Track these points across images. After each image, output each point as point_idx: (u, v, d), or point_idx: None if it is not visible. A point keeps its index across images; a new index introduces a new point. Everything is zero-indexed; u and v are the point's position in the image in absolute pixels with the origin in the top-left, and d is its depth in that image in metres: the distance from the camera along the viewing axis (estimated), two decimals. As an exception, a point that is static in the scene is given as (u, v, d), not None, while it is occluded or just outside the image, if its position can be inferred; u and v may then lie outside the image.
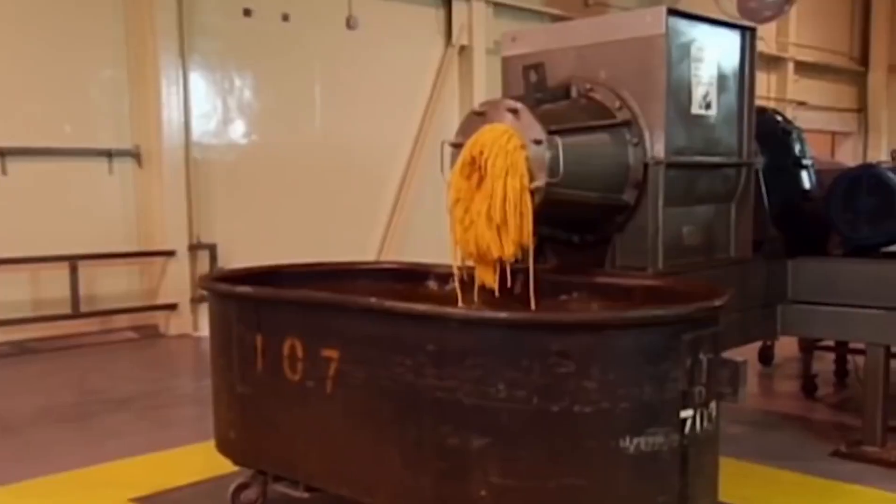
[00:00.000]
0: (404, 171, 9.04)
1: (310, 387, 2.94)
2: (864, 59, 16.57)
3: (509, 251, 3.06)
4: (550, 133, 3.14)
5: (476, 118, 3.37)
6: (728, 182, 3.87)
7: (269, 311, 3.07)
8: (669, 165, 3.47)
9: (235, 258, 7.65)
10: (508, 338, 2.42)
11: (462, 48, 9.64)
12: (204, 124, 7.74)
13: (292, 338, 2.98)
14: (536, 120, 3.17)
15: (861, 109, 16.56)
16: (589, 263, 3.60)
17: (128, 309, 7.23)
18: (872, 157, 15.37)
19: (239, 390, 3.20)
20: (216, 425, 3.41)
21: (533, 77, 3.52)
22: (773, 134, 4.43)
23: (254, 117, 8.10)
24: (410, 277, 3.90)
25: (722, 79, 3.73)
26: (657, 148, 3.44)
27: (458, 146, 3.41)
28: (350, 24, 8.53)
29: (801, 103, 14.42)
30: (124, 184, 7.32)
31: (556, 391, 2.38)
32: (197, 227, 7.62)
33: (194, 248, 7.58)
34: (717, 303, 2.55)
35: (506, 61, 3.92)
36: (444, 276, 3.71)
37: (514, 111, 3.22)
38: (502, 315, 2.39)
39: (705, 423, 2.55)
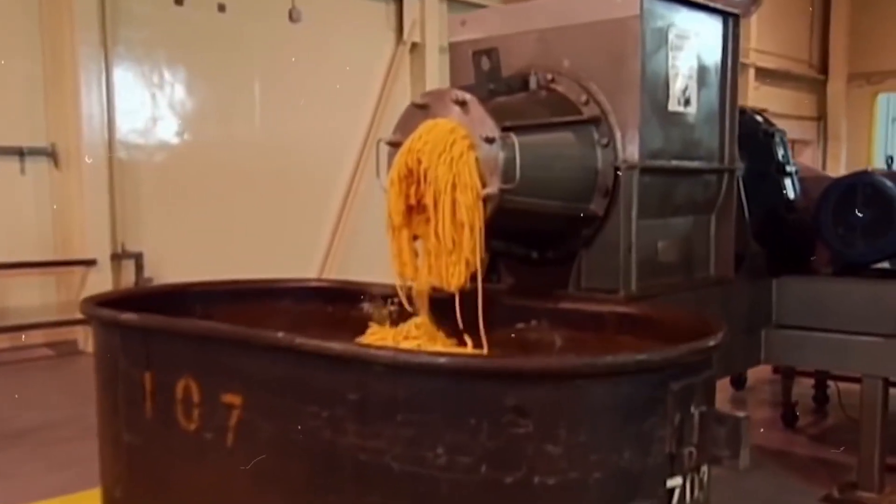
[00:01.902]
0: (351, 176, 8.47)
1: (208, 439, 2.38)
2: (824, 67, 16.38)
3: (457, 279, 2.55)
4: (505, 130, 2.62)
5: (417, 112, 2.83)
6: (708, 190, 3.38)
7: (160, 344, 2.50)
8: (644, 170, 2.97)
9: (164, 269, 7.03)
10: (450, 388, 1.88)
11: (414, 45, 9.11)
12: (130, 122, 7.09)
13: (187, 378, 2.41)
14: (488, 114, 2.65)
15: (820, 118, 16.36)
16: (550, 284, 3.08)
17: (42, 324, 6.56)
18: (831, 167, 15.14)
19: (125, 439, 2.62)
20: (102, 479, 2.82)
21: (485, 64, 2.99)
22: (753, 136, 3.95)
23: (186, 115, 7.47)
24: (343, 298, 3.35)
25: (702, 71, 3.24)
26: (630, 150, 2.94)
27: (395, 145, 2.88)
28: (293, 16, 7.95)
29: (763, 110, 14.11)
30: (39, 185, 6.65)
31: (512, 458, 1.85)
32: (121, 234, 6.98)
33: (118, 256, 6.93)
34: (713, 342, 2.04)
35: (454, 48, 3.39)
36: (381, 297, 3.18)
37: (462, 103, 2.69)
38: (441, 360, 1.86)
39: (696, 493, 2.05)
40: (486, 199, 2.61)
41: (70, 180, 6.65)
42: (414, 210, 2.71)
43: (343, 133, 8.35)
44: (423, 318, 2.76)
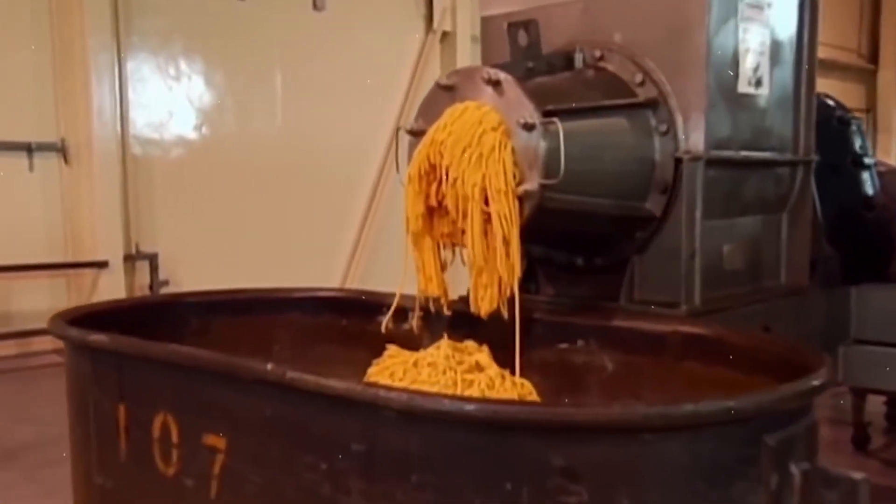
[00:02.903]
0: (378, 174, 8.03)
1: (188, 486, 1.97)
2: (874, 57, 15.66)
3: (488, 303, 2.13)
4: (546, 115, 2.19)
5: (443, 94, 2.41)
6: (781, 185, 2.92)
7: (134, 371, 2.10)
8: (710, 162, 2.52)
9: (181, 270, 6.67)
10: (480, 443, 1.45)
11: (445, 34, 8.66)
12: (144, 116, 6.73)
13: (164, 413, 2.01)
14: (527, 96, 2.23)
15: (870, 109, 15.62)
16: (597, 296, 2.64)
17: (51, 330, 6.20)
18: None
19: (97, 481, 2.22)
20: (75, 523, 2.44)
21: (522, 39, 2.56)
22: (826, 124, 3.46)
23: (204, 109, 7.09)
24: (359, 310, 2.93)
25: (776, 47, 2.78)
26: (694, 138, 2.49)
27: (417, 134, 2.46)
28: (317, 4, 7.55)
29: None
30: (48, 183, 6.31)
31: (559, 534, 1.42)
32: (135, 235, 6.62)
33: (131, 258, 6.56)
34: (817, 380, 1.59)
35: (487, 23, 2.95)
36: (401, 309, 2.76)
37: (496, 83, 2.27)
38: (469, 406, 1.42)
39: (797, 573, 1.60)
40: (523, 197, 2.19)
41: (80, 177, 6.30)
42: (436, 212, 2.29)
43: (369, 128, 7.92)
44: (448, 341, 2.34)
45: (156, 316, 2.83)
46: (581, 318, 2.44)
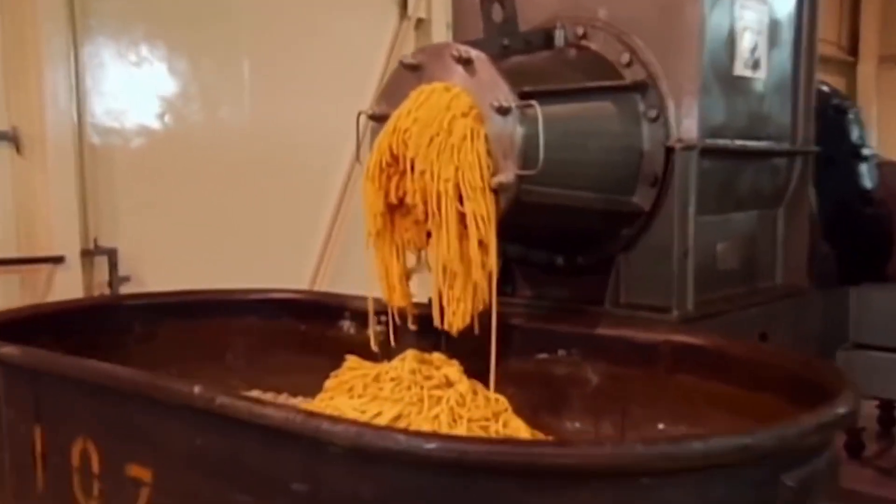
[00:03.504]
0: (350, 166, 7.71)
1: (112, 523, 1.72)
2: (854, 49, 15.52)
3: (461, 318, 1.89)
4: (523, 97, 1.94)
5: (408, 74, 2.15)
6: (778, 178, 2.69)
7: (52, 390, 1.83)
8: (704, 152, 2.28)
9: (142, 266, 6.32)
10: (444, 488, 1.20)
11: (419, 21, 8.35)
12: (103, 104, 6.36)
13: (85, 439, 1.75)
14: (501, 76, 1.97)
15: (849, 102, 15.54)
16: (580, 299, 2.40)
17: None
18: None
19: (14, 513, 1.96)
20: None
21: (497, 15, 2.31)
22: (821, 113, 3.24)
23: (167, 97, 6.73)
24: (319, 313, 2.68)
25: (774, 26, 2.55)
26: (686, 125, 2.26)
27: (380, 119, 2.20)
28: (286, -12, 7.22)
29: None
30: (-1, 174, 5.96)
31: None
32: (94, 229, 6.26)
33: (89, 253, 6.22)
34: (844, 408, 1.35)
35: (458, -2, 2.70)
36: (365, 313, 2.50)
37: (467, 62, 2.01)
38: (430, 444, 1.16)
39: None
40: (498, 190, 1.94)
41: (34, 168, 5.94)
42: (398, 210, 2.04)
43: (340, 118, 7.52)
44: (414, 353, 2.09)
45: (95, 321, 2.57)
46: (562, 324, 2.20)
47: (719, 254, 2.49)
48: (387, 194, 2.03)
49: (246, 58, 7.23)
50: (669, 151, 2.23)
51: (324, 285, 7.34)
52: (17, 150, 6.05)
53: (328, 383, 2.21)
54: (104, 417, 1.70)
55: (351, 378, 2.10)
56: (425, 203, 1.98)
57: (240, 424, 1.38)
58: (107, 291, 6.33)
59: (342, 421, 1.26)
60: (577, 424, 2.12)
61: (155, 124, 6.75)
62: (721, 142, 2.35)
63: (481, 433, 1.91)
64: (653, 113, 2.25)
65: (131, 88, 6.57)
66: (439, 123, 1.99)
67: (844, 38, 15.75)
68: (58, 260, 6.05)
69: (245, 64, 7.24)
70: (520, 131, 1.93)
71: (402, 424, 1.89)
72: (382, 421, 1.88)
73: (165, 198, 6.68)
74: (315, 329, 2.64)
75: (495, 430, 1.94)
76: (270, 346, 2.68)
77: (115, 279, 6.38)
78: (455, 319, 1.93)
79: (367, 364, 2.20)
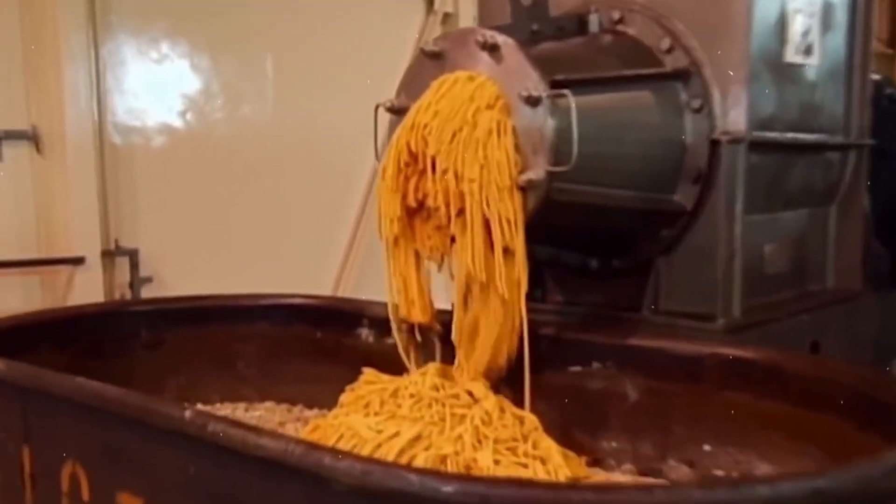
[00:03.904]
0: (377, 163, 7.57)
1: (103, 555, 1.57)
2: (893, 41, 15.16)
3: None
4: (555, 86, 1.77)
5: (429, 63, 1.99)
6: (830, 173, 2.49)
7: (39, 408, 1.68)
8: (753, 145, 2.09)
9: (164, 267, 6.24)
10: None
11: (446, 16, 8.17)
12: (123, 102, 6.28)
13: (74, 462, 1.60)
14: (531, 64, 1.80)
15: (888, 96, 15.15)
16: (615, 305, 2.22)
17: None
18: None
19: (3, 538, 1.82)
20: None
21: (526, -2, 2.13)
22: (875, 103, 3.04)
23: (189, 95, 6.64)
24: (335, 320, 2.52)
25: (828, 8, 2.35)
26: (734, 116, 2.06)
27: (399, 112, 2.04)
28: (310, -17, 7.08)
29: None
30: (18, 174, 5.87)
31: None
32: (114, 229, 6.19)
33: (110, 254, 6.13)
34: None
35: (484, -18, 2.53)
36: (384, 320, 2.34)
37: (493, 48, 1.84)
38: (448, 488, 1.00)
39: None
40: (526, 188, 1.76)
41: (54, 167, 5.86)
42: (418, 214, 1.88)
43: (366, 116, 7.41)
44: (436, 366, 1.92)
45: (101, 327, 2.43)
46: (597, 333, 2.02)
47: (767, 256, 2.30)
48: (405, 197, 1.86)
49: (269, 54, 7.09)
50: (714, 145, 2.05)
51: (348, 287, 7.19)
52: (37, 149, 5.97)
53: (343, 397, 2.04)
54: (93, 440, 1.55)
55: (367, 393, 1.94)
56: (448, 206, 1.81)
57: (235, 454, 1.22)
58: (128, 293, 6.24)
59: (347, 456, 1.10)
60: (614, 444, 1.94)
61: (176, 122, 6.64)
62: (770, 134, 2.15)
63: (509, 455, 1.74)
64: (696, 103, 2.06)
65: (152, 86, 6.46)
66: (462, 116, 1.81)
67: (884, 31, 15.45)
68: (78, 261, 5.96)
69: (268, 60, 7.10)
70: (551, 123, 1.75)
71: (422, 445, 1.72)
72: (400, 442, 1.71)
73: (187, 197, 6.57)
74: (331, 336, 2.48)
75: (524, 451, 1.77)
76: (283, 354, 2.52)
77: (136, 280, 6.28)
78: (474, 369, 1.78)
79: (386, 377, 2.03)
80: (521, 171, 1.76)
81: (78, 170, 5.94)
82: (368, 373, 2.03)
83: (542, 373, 1.99)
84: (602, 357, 1.96)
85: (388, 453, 1.70)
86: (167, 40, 6.48)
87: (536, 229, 1.85)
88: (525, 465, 1.74)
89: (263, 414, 2.40)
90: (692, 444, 1.82)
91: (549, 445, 1.80)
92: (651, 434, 1.88)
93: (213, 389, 2.52)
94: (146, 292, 6.34)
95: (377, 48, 7.90)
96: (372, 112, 2.19)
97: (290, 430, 2.23)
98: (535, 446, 1.78)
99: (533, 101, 1.76)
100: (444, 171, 1.80)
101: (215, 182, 6.74)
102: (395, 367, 2.29)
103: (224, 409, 2.45)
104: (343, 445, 1.77)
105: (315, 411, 2.43)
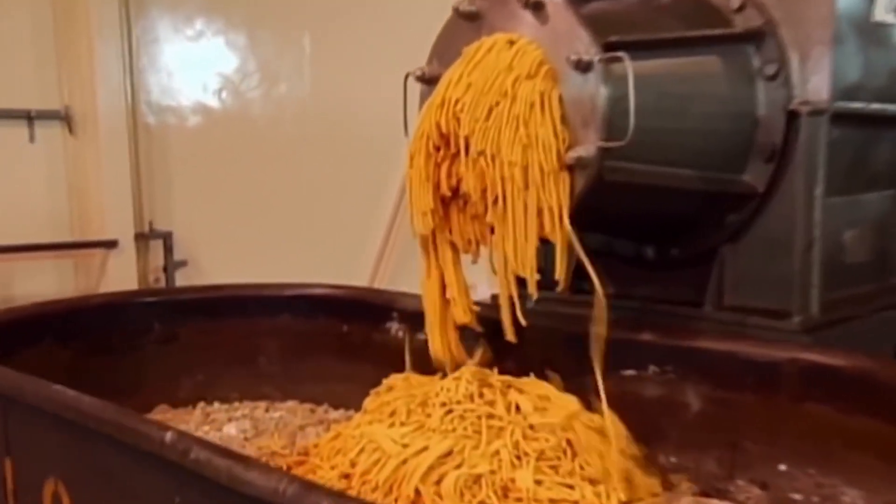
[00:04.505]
0: (407, 140, 7.34)
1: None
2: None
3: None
4: (609, 49, 1.52)
5: (464, 25, 1.75)
6: (919, 150, 2.20)
7: (21, 419, 1.49)
8: (836, 118, 1.82)
9: (199, 250, 6.13)
10: None
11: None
12: (157, 81, 6.16)
13: (56, 480, 1.41)
14: (582, 24, 1.56)
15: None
16: (673, 300, 1.97)
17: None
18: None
19: (-12, 557, 1.64)
20: None
21: (574, -49, 1.88)
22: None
23: (224, 73, 6.48)
24: (364, 313, 2.31)
25: (921, -38, 2.05)
26: (815, 84, 1.79)
27: (431, 81, 1.81)
28: (348, -43, 6.86)
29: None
30: (51, 155, 5.78)
31: None
32: (148, 212, 6.08)
33: (144, 237, 6.02)
34: None
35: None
36: (416, 313, 2.13)
37: (537, 6, 1.60)
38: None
39: None
40: (574, 167, 1.53)
41: (87, 148, 5.76)
42: (454, 203, 1.65)
43: (408, 94, 7.21)
44: (472, 370, 1.70)
45: (109, 320, 2.25)
46: (654, 333, 1.78)
47: (847, 243, 2.02)
48: (437, 186, 1.64)
49: (306, 31, 6.89)
50: (792, 117, 1.78)
51: (386, 275, 6.99)
52: (70, 130, 5.86)
53: (368, 402, 1.84)
54: (74, 456, 1.35)
55: (394, 399, 1.72)
56: (484, 193, 1.59)
57: (213, 485, 1.01)
58: (162, 277, 6.11)
59: (348, 500, 0.88)
60: (673, 460, 1.70)
61: (211, 102, 6.48)
62: (855, 105, 1.88)
63: (552, 475, 1.51)
64: (771, 69, 1.79)
65: (187, 65, 6.31)
66: (499, 88, 1.58)
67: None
68: (111, 244, 5.84)
69: (306, 37, 6.90)
70: (604, 92, 1.51)
71: (453, 463, 1.51)
72: (429, 458, 1.49)
73: (223, 178, 6.41)
74: (358, 331, 2.27)
75: (569, 469, 1.54)
76: (308, 349, 2.33)
77: (170, 263, 6.15)
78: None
79: (416, 379, 1.82)
80: (569, 148, 1.52)
81: (111, 151, 5.82)
82: (395, 378, 1.81)
83: (590, 374, 1.77)
84: (660, 360, 1.72)
85: (415, 471, 1.49)
86: (202, 17, 6.32)
87: (585, 214, 1.62)
88: (571, 486, 1.52)
89: (284, 415, 2.21)
90: (765, 462, 1.58)
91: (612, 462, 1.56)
92: (717, 450, 1.64)
93: (232, 387, 2.34)
94: (181, 276, 6.22)
95: (418, 24, 7.65)
96: (412, 90, 1.96)
97: (310, 434, 2.04)
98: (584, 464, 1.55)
99: (583, 67, 1.52)
100: (480, 154, 1.57)
101: (251, 163, 6.58)
102: (427, 365, 2.08)
103: (243, 409, 2.26)
104: (364, 460, 1.56)
105: (341, 412, 2.24)
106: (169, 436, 1.08)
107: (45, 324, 2.06)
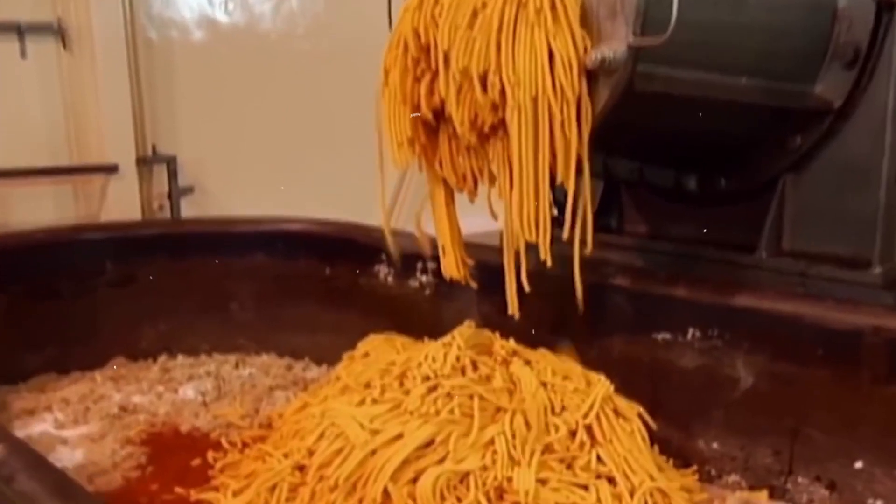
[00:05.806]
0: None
1: None
2: None
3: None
4: (645, -87, 1.13)
5: None
6: None
7: None
8: (939, 10, 1.41)
9: (205, 175, 5.76)
10: None
11: None
12: (159, -9, 5.74)
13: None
14: None
15: None
16: (718, 243, 1.60)
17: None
18: None
19: None
20: None
21: None
22: None
23: (231, -16, 6.05)
24: (349, 252, 1.97)
25: None
26: (912, -35, 1.39)
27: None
28: None
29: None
30: (44, 72, 5.40)
31: None
32: (151, 134, 5.72)
33: (146, 161, 5.68)
34: None
35: None
36: (408, 255, 1.79)
37: None
38: None
39: None
40: (597, 72, 1.15)
41: (83, 65, 5.36)
42: (441, 126, 1.29)
43: None
44: (467, 332, 1.35)
45: (53, 260, 1.93)
46: (695, 287, 1.42)
47: (936, 175, 1.64)
48: (415, 102, 1.28)
49: (321, -62, 6.46)
50: (882, 11, 1.38)
51: (403, 209, 6.67)
52: (64, 45, 5.49)
53: (341, 368, 1.51)
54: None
55: (367, 368, 1.39)
56: (474, 123, 1.22)
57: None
58: (166, 204, 5.80)
59: None
60: (716, 446, 1.36)
61: (218, 14, 6.05)
62: (962, -5, 1.47)
63: (561, 473, 1.18)
64: (854, -53, 1.39)
65: (190, -26, 5.91)
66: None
67: None
68: (111, 169, 5.51)
69: (320, -55, 6.47)
70: (636, -27, 1.13)
71: (435, 456, 1.18)
72: (404, 450, 1.16)
73: (231, 98, 6.02)
74: (343, 274, 1.94)
75: (584, 463, 1.21)
76: (286, 294, 2.00)
77: (174, 190, 5.81)
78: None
79: (399, 342, 1.49)
80: (589, 46, 1.14)
81: (109, 68, 5.42)
82: (372, 339, 1.48)
83: (612, 339, 1.42)
84: (702, 321, 1.37)
85: (385, 466, 1.16)
86: (206, -79, 5.89)
87: (612, 134, 1.25)
88: (584, 487, 1.19)
89: (254, 373, 1.89)
90: (836, 457, 1.24)
91: (632, 448, 1.23)
92: (772, 437, 1.30)
93: (201, 338, 2.03)
94: (186, 204, 5.89)
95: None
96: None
97: (279, 399, 1.72)
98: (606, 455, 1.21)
99: (609, -62, 1.14)
100: (463, 74, 1.21)
101: (262, 81, 6.17)
102: (420, 317, 1.76)
103: (209, 365, 1.95)
104: (324, 448, 1.23)
105: (323, 368, 1.92)
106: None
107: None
